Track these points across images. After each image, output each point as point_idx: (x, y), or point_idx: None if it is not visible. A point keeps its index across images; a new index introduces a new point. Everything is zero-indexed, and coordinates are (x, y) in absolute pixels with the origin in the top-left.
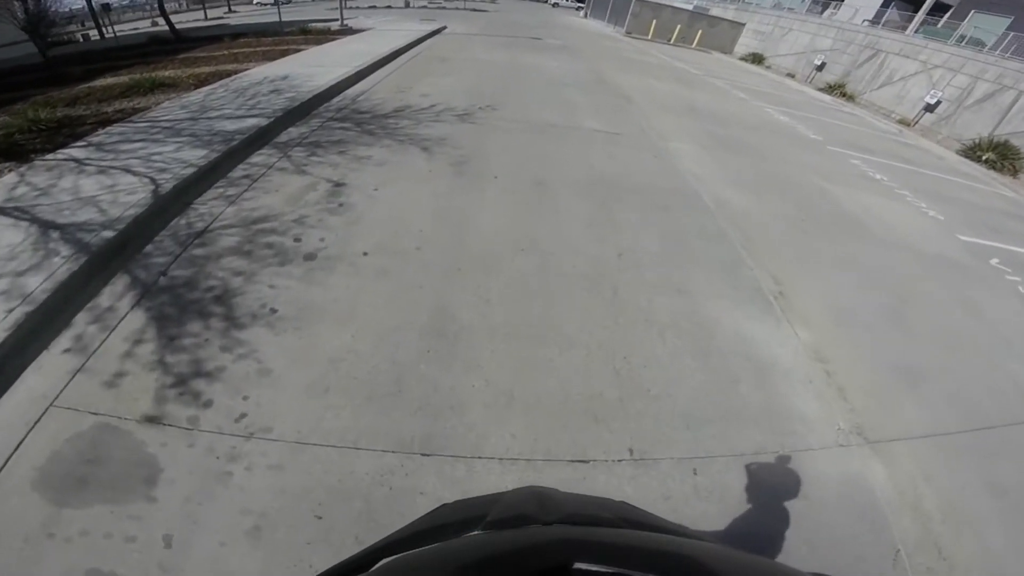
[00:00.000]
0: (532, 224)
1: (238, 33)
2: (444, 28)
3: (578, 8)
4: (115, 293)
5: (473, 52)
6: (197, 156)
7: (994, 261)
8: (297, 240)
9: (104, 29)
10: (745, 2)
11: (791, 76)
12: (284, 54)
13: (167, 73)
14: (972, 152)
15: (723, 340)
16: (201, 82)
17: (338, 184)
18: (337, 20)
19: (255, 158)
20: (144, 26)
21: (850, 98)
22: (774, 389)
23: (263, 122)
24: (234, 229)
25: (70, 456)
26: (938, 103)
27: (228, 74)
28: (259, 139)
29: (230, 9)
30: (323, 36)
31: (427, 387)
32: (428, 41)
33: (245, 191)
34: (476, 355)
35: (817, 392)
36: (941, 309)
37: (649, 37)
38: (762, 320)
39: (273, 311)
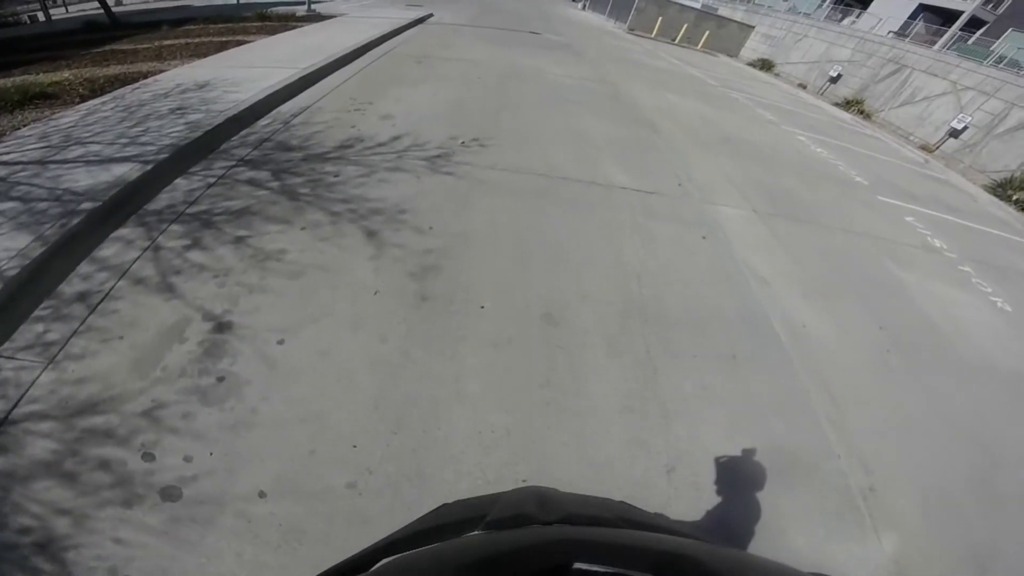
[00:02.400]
0: (539, 431)
1: (186, 19)
2: (430, 16)
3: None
4: None
5: (460, 49)
6: (9, 251)
7: None
8: (148, 458)
9: (54, 11)
10: (756, 3)
11: (802, 87)
12: (222, 48)
13: (61, 76)
14: (1002, 190)
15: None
16: (95, 90)
17: (221, 326)
18: (305, 3)
19: (105, 249)
20: (95, 7)
21: (867, 116)
22: None
23: (136, 171)
24: (49, 423)
25: None
26: (964, 128)
27: (135, 79)
28: (123, 205)
29: None
30: (283, 23)
31: None
32: (408, 32)
33: (74, 334)
34: None
35: None
36: None
37: (653, 35)
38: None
39: None
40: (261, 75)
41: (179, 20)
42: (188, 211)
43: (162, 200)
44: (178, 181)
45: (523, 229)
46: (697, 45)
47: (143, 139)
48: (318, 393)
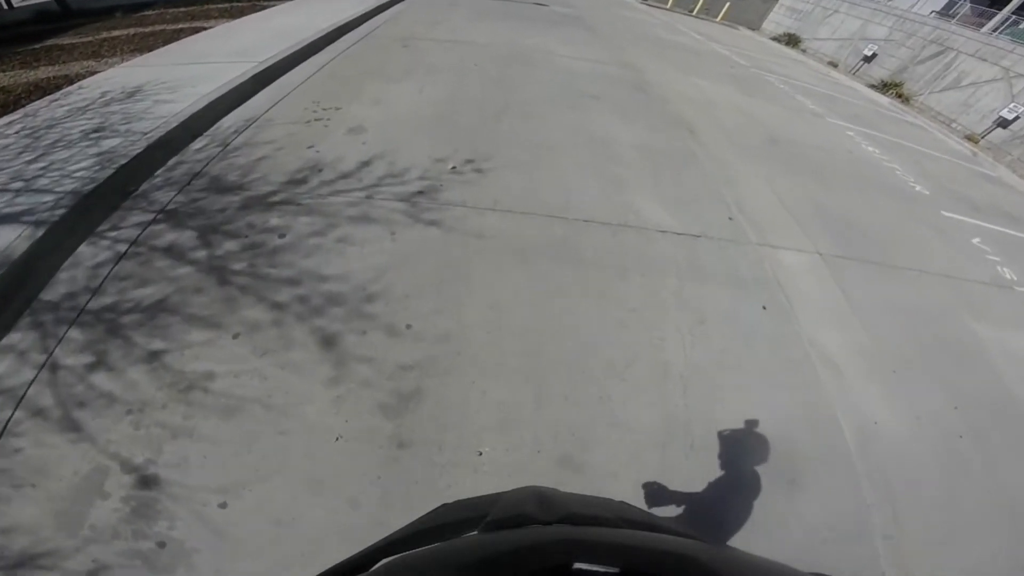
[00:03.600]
0: None
1: (146, 3)
2: None
3: None
4: None
5: (455, 26)
6: None
7: None
8: None
9: None
10: None
11: (833, 65)
12: (174, 38)
13: None
14: None
15: None
16: (7, 104)
17: (146, 480)
18: None
19: None
20: None
21: (905, 100)
22: None
23: (25, 240)
24: None
25: None
26: (1016, 119)
27: (59, 85)
28: (9, 296)
29: None
30: (252, 4)
31: None
32: (397, 7)
33: None
34: None
35: None
36: None
37: (668, 6)
38: None
39: None
40: (208, 74)
41: (137, 5)
42: (91, 305)
43: (60, 285)
44: (81, 250)
45: (534, 323)
46: (717, 17)
47: (41, 183)
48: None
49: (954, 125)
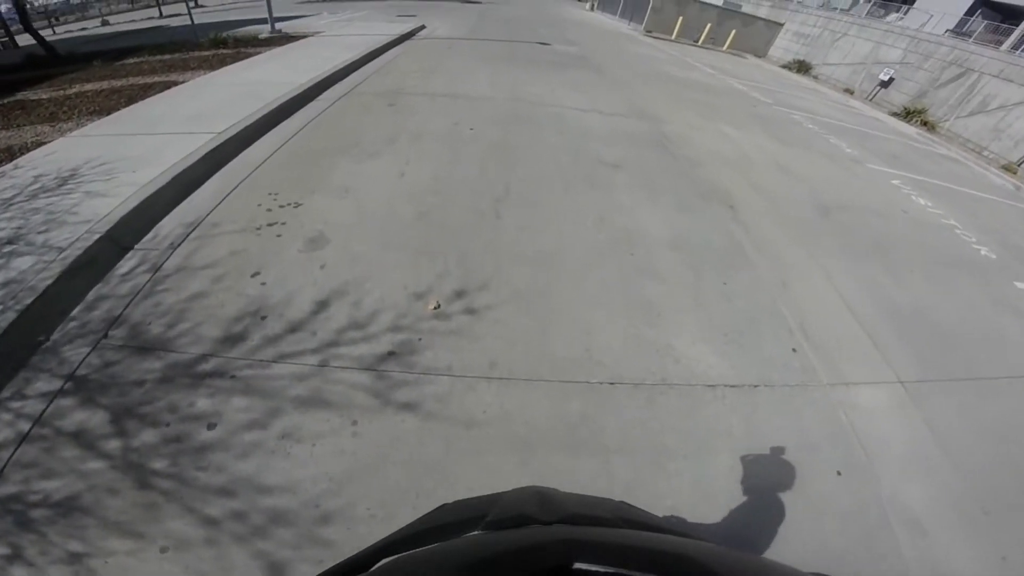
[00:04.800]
0: None
1: (133, 48)
2: (421, 29)
3: None
4: None
5: (451, 75)
6: None
7: None
8: None
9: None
10: None
11: (849, 92)
12: (142, 95)
13: None
14: None
15: None
16: None
17: None
18: (282, 19)
19: None
20: (93, 26)
21: (931, 127)
22: None
23: None
24: None
25: None
26: None
27: None
28: None
29: (197, 4)
30: (237, 51)
31: None
32: (390, 53)
33: None
34: None
35: None
36: None
37: (673, 37)
38: None
39: None
40: (155, 150)
41: (122, 51)
42: None
43: None
44: None
45: None
46: (723, 46)
47: None
48: None
49: (986, 153)
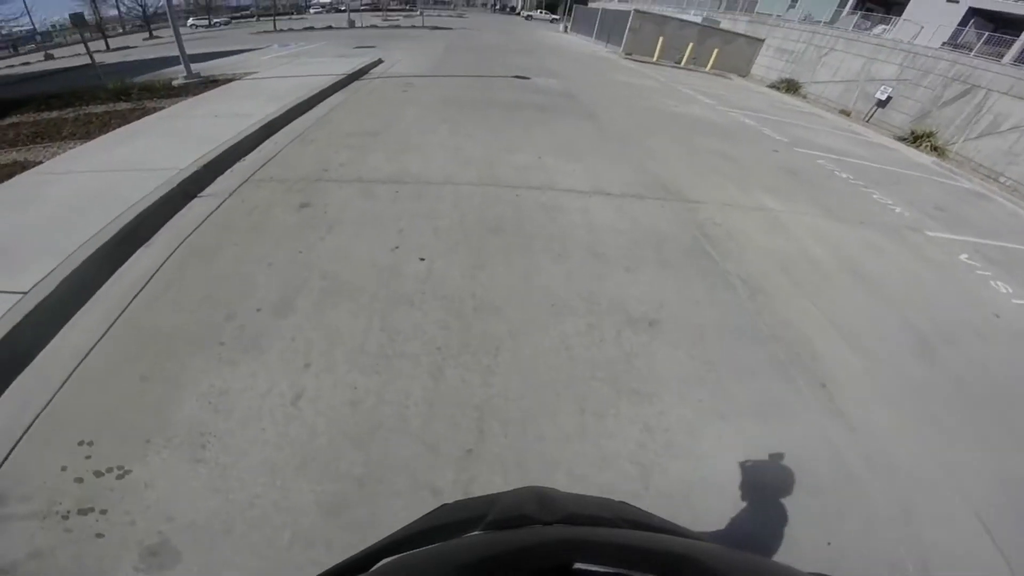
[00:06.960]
0: None
1: (23, 100)
2: (377, 64)
3: (553, 20)
4: None
5: (404, 136)
6: None
7: None
8: None
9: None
10: (760, 13)
11: (845, 113)
12: None
13: None
14: None
15: None
16: None
17: None
18: (216, 56)
19: None
20: (37, 59)
21: (941, 152)
22: None
23: None
24: None
25: None
26: None
27: None
28: None
29: (151, 35)
30: (141, 105)
31: None
32: (330, 100)
33: None
34: None
35: None
36: None
37: (655, 59)
38: None
39: None
40: None
41: (10, 104)
42: None
43: None
44: None
45: None
46: (707, 67)
47: None
48: None
49: (1003, 180)
